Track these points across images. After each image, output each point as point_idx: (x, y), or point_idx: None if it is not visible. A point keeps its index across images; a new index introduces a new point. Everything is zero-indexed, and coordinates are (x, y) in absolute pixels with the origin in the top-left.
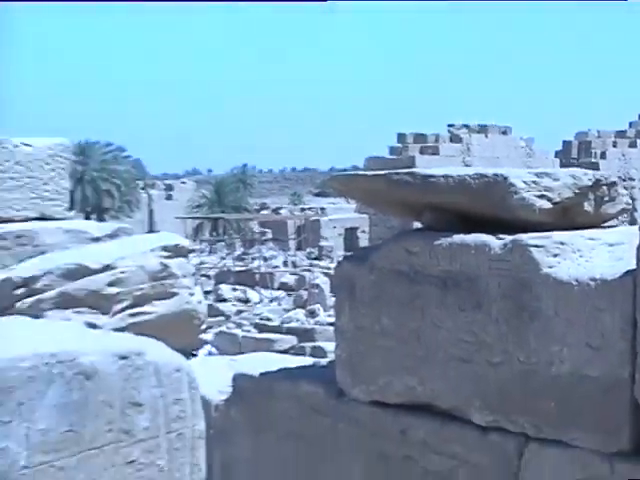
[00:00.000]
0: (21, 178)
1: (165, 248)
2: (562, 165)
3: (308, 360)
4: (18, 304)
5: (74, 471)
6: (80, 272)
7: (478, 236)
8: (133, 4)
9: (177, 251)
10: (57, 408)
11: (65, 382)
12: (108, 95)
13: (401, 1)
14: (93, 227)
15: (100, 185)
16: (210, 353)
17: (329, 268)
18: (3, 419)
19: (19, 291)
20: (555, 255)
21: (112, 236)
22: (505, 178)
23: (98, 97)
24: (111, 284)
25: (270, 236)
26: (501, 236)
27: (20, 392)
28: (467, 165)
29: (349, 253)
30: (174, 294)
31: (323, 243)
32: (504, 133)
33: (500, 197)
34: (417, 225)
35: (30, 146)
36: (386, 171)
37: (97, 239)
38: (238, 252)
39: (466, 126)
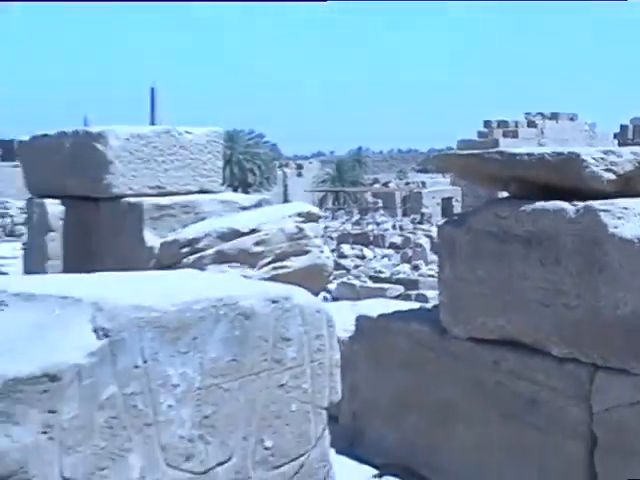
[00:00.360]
0: (185, 160)
1: (299, 214)
2: (620, 145)
3: (415, 305)
4: (184, 260)
5: (237, 392)
6: (232, 234)
7: (555, 203)
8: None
9: (309, 217)
10: (223, 342)
11: (229, 321)
12: (255, 90)
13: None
14: (241, 198)
15: (245, 165)
16: (325, 299)
17: (429, 231)
18: (182, 350)
19: (184, 250)
20: (619, 218)
21: (257, 205)
22: (578, 155)
23: (245, 91)
24: (257, 244)
25: (381, 205)
26: (575, 203)
27: (194, 329)
28: (542, 146)
29: (448, 218)
30: (307, 251)
31: (424, 210)
32: (571, 119)
33: (574, 171)
34: (503, 194)
35: (191, 134)
36: (478, 150)
37: (245, 208)
38: (355, 218)
39: (540, 114)
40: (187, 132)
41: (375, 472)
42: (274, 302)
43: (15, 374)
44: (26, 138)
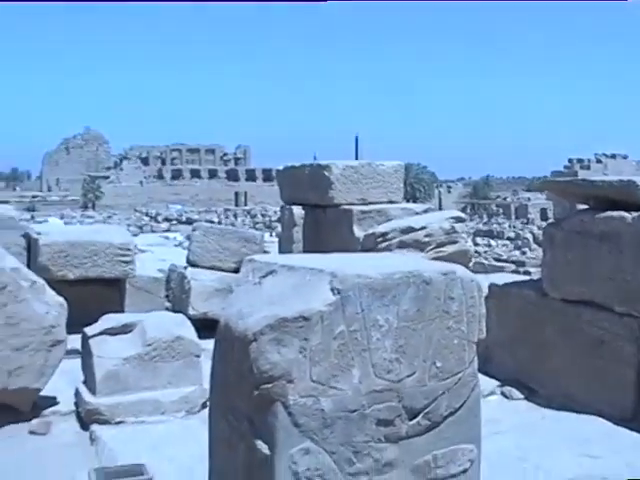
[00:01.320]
0: (379, 182)
1: (452, 217)
2: None
3: (524, 277)
4: (379, 246)
5: (420, 331)
6: (409, 230)
7: (619, 213)
8: None
9: (458, 219)
10: (412, 299)
11: (416, 286)
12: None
13: None
14: (415, 207)
15: (415, 186)
16: None
17: (532, 229)
18: (386, 303)
19: (379, 239)
20: None
21: (425, 212)
22: (634, 182)
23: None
24: (425, 236)
25: (501, 212)
26: (632, 212)
27: (394, 290)
28: (607, 176)
29: (548, 222)
30: (457, 242)
31: (529, 216)
32: (624, 158)
33: (631, 191)
34: (584, 207)
35: (384, 165)
36: (567, 178)
37: (417, 213)
38: (484, 220)
39: (604, 154)
40: (381, 164)
41: (498, 383)
42: (444, 274)
43: (283, 315)
44: (281, 168)
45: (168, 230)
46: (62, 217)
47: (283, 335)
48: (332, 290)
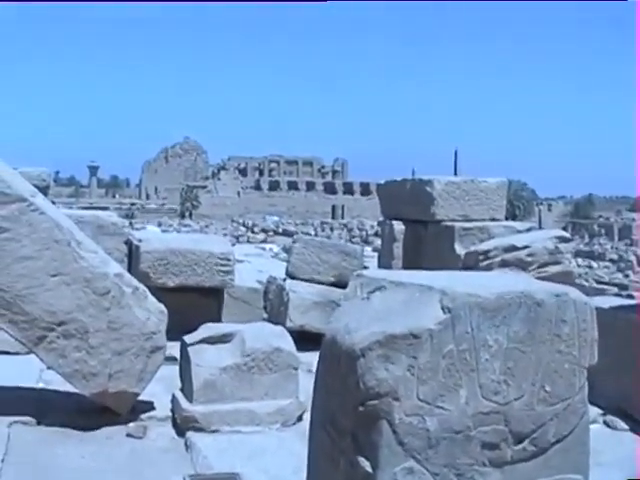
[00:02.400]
0: (481, 198)
1: (557, 237)
2: None
3: (630, 301)
4: (480, 264)
5: (529, 353)
6: (512, 248)
7: None
8: None
9: (563, 239)
10: (522, 320)
11: (527, 307)
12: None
13: None
14: (518, 225)
15: (514, 203)
16: None
17: (636, 251)
18: (496, 324)
19: (480, 257)
20: None
21: (528, 230)
22: None
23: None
24: (528, 255)
25: (603, 232)
26: None
27: (504, 310)
28: None
29: None
30: (560, 262)
31: (633, 237)
32: None
33: None
34: None
35: (486, 182)
36: None
37: (520, 231)
38: (586, 241)
39: None
40: (484, 181)
41: (600, 411)
42: (557, 296)
43: (392, 331)
44: (382, 182)
45: (264, 241)
46: (159, 225)
47: (391, 352)
48: (442, 308)
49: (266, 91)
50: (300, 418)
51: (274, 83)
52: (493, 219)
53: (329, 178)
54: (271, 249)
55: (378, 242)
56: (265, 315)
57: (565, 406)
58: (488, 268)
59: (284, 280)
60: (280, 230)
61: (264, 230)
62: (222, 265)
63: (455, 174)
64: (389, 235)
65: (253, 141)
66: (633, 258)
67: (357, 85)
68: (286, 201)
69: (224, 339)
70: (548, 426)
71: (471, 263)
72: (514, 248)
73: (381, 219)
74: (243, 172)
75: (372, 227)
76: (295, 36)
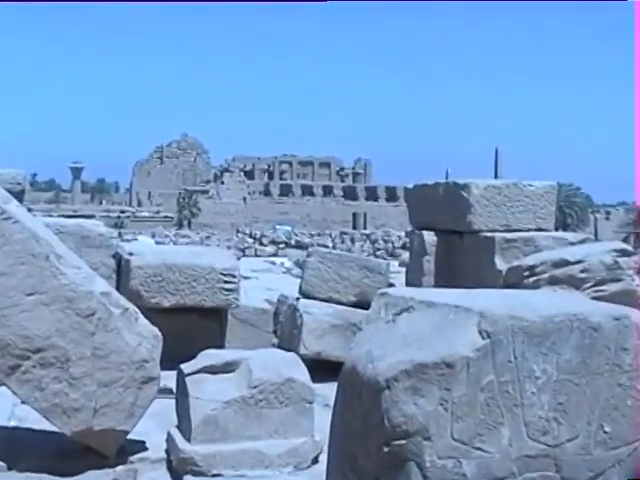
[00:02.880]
0: (527, 205)
1: (616, 250)
2: None
3: None
4: (525, 281)
5: (584, 386)
6: (562, 263)
7: None
8: None
9: (624, 253)
10: (575, 347)
11: (580, 332)
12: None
13: None
14: (570, 236)
15: (565, 210)
16: None
17: None
18: (543, 351)
19: (525, 273)
20: None
21: (581, 242)
22: None
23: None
24: (581, 271)
25: None
26: None
27: (554, 336)
28: None
29: None
30: (621, 279)
31: None
32: None
33: None
34: None
35: (532, 186)
36: None
37: (572, 243)
38: None
39: None
40: (529, 185)
41: None
42: (616, 319)
43: (422, 360)
44: (410, 186)
45: (275, 254)
46: (153, 236)
47: (421, 383)
48: (480, 333)
49: (276, 82)
50: (315, 460)
51: (285, 73)
52: (540, 229)
53: (349, 181)
54: (282, 264)
55: (406, 255)
56: (275, 340)
57: (630, 451)
58: (534, 286)
59: (297, 300)
60: (293, 242)
61: (274, 242)
62: (225, 282)
63: (496, 177)
64: (419, 247)
65: (261, 139)
66: None
67: (379, 76)
68: (299, 208)
69: (228, 368)
70: (609, 474)
71: (514, 280)
72: (565, 263)
73: (410, 229)
74: (250, 175)
75: (399, 238)
76: (306, 22)
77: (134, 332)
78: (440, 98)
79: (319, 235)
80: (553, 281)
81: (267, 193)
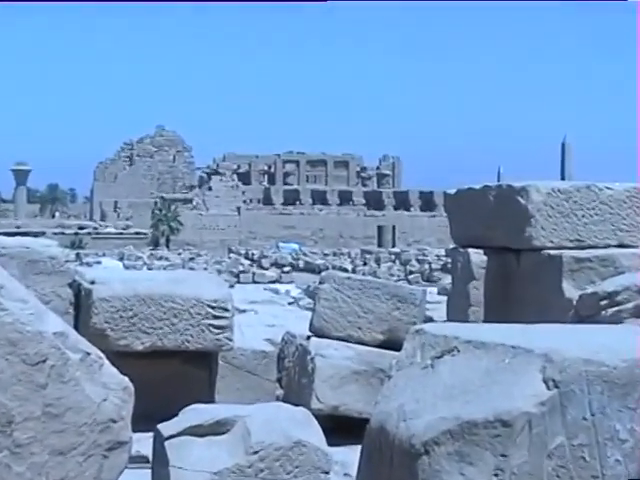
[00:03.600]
0: (604, 214)
1: None
2: None
3: None
4: (602, 313)
5: None
6: None
7: None
8: None
9: None
10: None
11: None
12: None
13: None
14: None
15: None
16: None
17: None
18: (630, 406)
19: (603, 302)
20: None
21: None
22: None
23: None
24: None
25: None
26: None
27: None
28: None
29: None
30: None
31: None
32: None
33: None
34: None
35: (611, 189)
36: None
37: None
38: None
39: None
40: (607, 187)
41: None
42: None
43: (470, 417)
44: (452, 191)
45: (278, 280)
46: (122, 258)
47: (469, 447)
48: (546, 381)
49: (276, 61)
50: None
51: (288, 51)
52: (622, 245)
53: (373, 186)
54: (288, 292)
55: (448, 281)
56: (280, 392)
57: None
58: (615, 319)
59: (308, 339)
60: (301, 264)
61: (277, 264)
62: (215, 317)
63: (563, 178)
64: (464, 270)
65: (259, 132)
66: None
67: (407, 58)
68: (309, 221)
69: (219, 429)
70: None
71: (589, 311)
72: None
73: (452, 246)
74: (245, 178)
75: (438, 258)
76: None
77: (98, 383)
78: (487, 80)
79: (335, 255)
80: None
81: (267, 201)
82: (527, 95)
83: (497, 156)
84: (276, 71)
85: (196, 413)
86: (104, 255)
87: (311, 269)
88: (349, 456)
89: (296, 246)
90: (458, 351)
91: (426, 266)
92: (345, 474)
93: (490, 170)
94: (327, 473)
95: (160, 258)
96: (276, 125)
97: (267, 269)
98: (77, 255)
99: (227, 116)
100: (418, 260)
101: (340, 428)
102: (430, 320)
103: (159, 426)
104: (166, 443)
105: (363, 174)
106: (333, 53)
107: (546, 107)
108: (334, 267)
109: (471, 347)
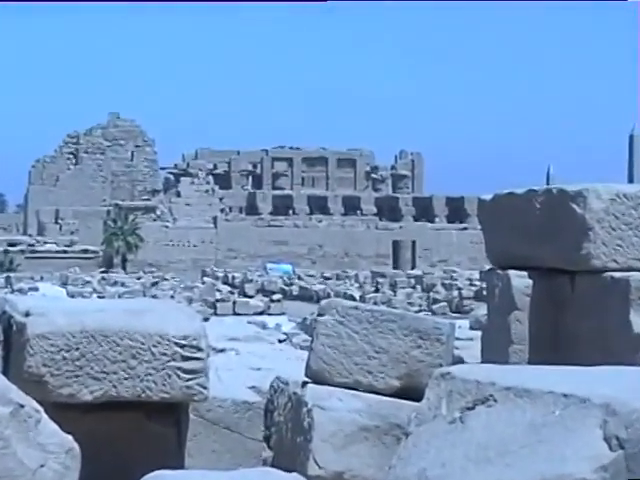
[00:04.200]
0: None
1: None
2: None
3: None
4: None
5: None
6: None
7: None
8: None
9: None
10: None
11: None
12: None
13: None
14: None
15: None
16: None
17: None
18: None
19: None
20: None
21: None
22: None
23: None
24: None
25: None
26: None
27: None
28: None
29: None
30: None
31: None
32: None
33: None
34: None
35: None
36: None
37: None
38: None
39: None
40: None
41: None
42: None
43: None
44: (487, 197)
45: (266, 311)
46: (65, 283)
47: None
48: (607, 440)
49: (265, 47)
50: None
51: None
52: None
53: (387, 190)
54: (278, 327)
55: (482, 311)
56: (267, 453)
57: None
58: None
59: (304, 386)
60: (295, 290)
61: (265, 291)
62: (185, 359)
63: (630, 180)
64: (503, 298)
65: (241, 123)
66: None
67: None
68: (306, 235)
69: None
70: None
71: None
72: None
73: (488, 267)
74: (223, 180)
75: (470, 283)
76: None
77: (34, 445)
78: (532, 57)
79: (338, 279)
80: None
81: (252, 210)
82: (586, 77)
83: (546, 153)
84: (264, 54)
85: None
86: (42, 279)
87: (308, 297)
88: None
89: (289, 267)
90: (495, 401)
91: (455, 293)
92: None
93: (537, 170)
94: None
95: (114, 283)
96: (263, 114)
97: (252, 297)
98: (7, 279)
99: (201, 102)
100: (445, 285)
101: None
102: (460, 361)
103: None
104: None
105: (374, 175)
106: (334, 41)
107: (610, 91)
108: (337, 294)
109: (511, 396)
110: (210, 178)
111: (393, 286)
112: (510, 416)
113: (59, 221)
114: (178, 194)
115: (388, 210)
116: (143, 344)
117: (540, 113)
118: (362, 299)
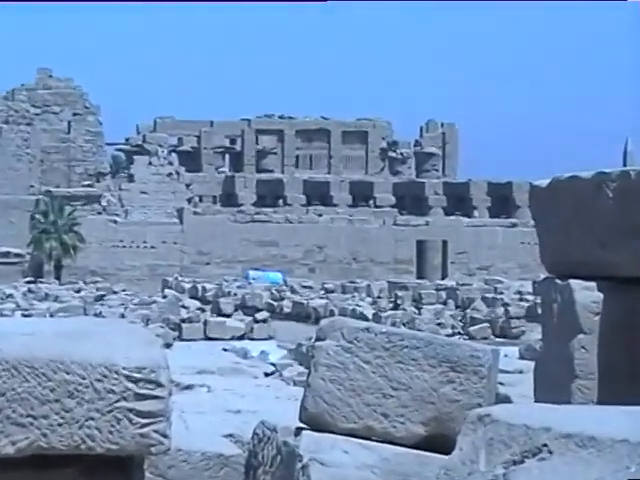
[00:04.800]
0: None
1: None
2: None
3: None
4: None
5: None
6: None
7: None
8: None
9: None
10: None
11: None
12: None
13: None
14: None
15: None
16: None
17: None
18: None
19: None
20: None
21: None
22: None
23: None
24: None
25: None
26: None
27: None
28: None
29: None
30: None
31: None
32: None
33: None
34: None
35: None
36: None
37: None
38: None
39: None
40: None
41: None
42: None
43: None
44: (542, 182)
45: (247, 335)
46: None
47: None
48: None
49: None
50: None
51: None
52: None
53: (410, 173)
54: (264, 355)
55: (537, 335)
56: None
57: None
58: None
59: (297, 434)
60: (286, 307)
61: (246, 307)
62: (139, 397)
63: None
64: (564, 317)
65: (216, 87)
66: None
67: None
68: (301, 233)
69: None
70: None
71: None
72: None
73: (543, 276)
74: (191, 160)
75: (520, 297)
76: None
77: None
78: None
79: (344, 292)
80: None
81: (230, 200)
82: None
83: (622, 124)
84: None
85: None
86: None
87: (303, 316)
88: None
89: (278, 276)
90: (550, 452)
91: (500, 311)
92: None
93: (610, 146)
94: None
95: (45, 297)
96: (246, 81)
97: (229, 316)
98: None
99: (160, 60)
100: (486, 300)
101: None
102: (505, 400)
103: None
104: None
105: (392, 153)
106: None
107: None
108: (343, 312)
109: (572, 445)
110: (174, 157)
111: (417, 301)
112: (571, 472)
113: None
114: (131, 178)
115: (411, 200)
116: (83, 378)
117: (614, 69)
118: (376, 318)
